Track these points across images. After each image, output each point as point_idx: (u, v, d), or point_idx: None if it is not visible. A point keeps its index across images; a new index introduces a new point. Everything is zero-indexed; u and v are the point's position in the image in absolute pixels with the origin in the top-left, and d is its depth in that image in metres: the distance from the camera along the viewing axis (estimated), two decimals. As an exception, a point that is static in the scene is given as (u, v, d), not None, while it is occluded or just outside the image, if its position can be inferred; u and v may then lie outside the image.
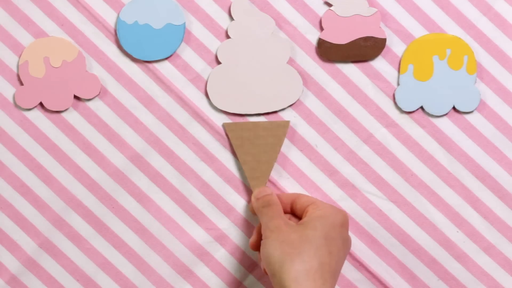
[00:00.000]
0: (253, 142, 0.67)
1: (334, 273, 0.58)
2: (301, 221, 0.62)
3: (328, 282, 0.57)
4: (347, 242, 0.62)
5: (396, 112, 0.68)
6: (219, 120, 0.68)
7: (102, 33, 0.68)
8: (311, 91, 0.68)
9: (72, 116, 0.68)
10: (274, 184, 0.68)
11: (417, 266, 0.68)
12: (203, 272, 0.69)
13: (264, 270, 0.62)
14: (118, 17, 0.68)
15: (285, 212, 0.65)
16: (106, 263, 0.69)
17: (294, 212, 0.65)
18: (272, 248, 0.59)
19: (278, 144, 0.67)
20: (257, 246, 0.64)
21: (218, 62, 0.68)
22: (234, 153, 0.68)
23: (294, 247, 0.58)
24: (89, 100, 0.68)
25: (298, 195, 0.65)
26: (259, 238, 0.63)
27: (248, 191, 0.68)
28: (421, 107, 0.68)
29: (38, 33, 0.68)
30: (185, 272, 0.69)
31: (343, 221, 0.61)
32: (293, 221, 0.63)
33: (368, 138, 0.68)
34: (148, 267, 0.69)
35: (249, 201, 0.69)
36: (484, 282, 0.68)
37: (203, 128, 0.68)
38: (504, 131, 0.68)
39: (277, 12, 0.68)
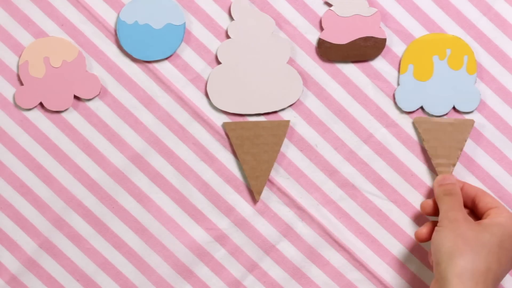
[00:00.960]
0: (253, 141, 0.67)
1: (497, 282, 0.58)
2: (480, 221, 0.61)
3: None
4: None
5: (396, 112, 0.68)
6: (219, 120, 0.68)
7: (102, 33, 0.68)
8: (311, 91, 0.68)
9: (72, 116, 0.68)
10: (274, 184, 0.68)
11: (417, 266, 0.68)
12: (203, 272, 0.69)
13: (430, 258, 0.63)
14: (118, 17, 0.68)
15: (466, 206, 0.64)
16: (106, 263, 0.69)
17: (474, 208, 0.64)
18: (446, 238, 0.59)
19: (278, 144, 0.67)
20: (424, 236, 0.64)
21: (218, 62, 0.68)
22: (234, 153, 0.68)
23: (467, 244, 0.58)
24: (89, 100, 0.68)
25: (483, 193, 0.64)
26: (431, 228, 0.63)
27: (248, 191, 0.69)
28: (421, 107, 0.68)
29: (38, 33, 0.68)
30: (185, 272, 0.69)
31: None
32: (471, 217, 0.62)
33: (368, 138, 0.68)
34: (148, 267, 0.69)
35: (249, 201, 0.69)
36: (484, 282, 0.68)
37: (203, 128, 0.68)
38: (504, 131, 0.68)
39: (277, 12, 0.68)
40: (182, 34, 0.67)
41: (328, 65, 0.68)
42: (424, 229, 0.64)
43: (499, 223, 0.60)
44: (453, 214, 0.61)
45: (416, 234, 0.65)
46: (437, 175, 0.67)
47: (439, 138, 0.67)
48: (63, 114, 0.68)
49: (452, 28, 0.68)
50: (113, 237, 0.69)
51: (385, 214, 0.68)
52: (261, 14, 0.68)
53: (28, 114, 0.68)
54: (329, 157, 0.68)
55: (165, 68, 0.68)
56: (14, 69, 0.68)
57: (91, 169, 0.68)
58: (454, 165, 0.67)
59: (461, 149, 0.67)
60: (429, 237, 0.64)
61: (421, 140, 0.68)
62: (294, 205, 0.68)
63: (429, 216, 0.66)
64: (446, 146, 0.67)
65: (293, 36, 0.68)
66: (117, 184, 0.68)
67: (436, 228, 0.61)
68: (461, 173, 0.68)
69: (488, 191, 0.68)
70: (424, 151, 0.68)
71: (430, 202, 0.65)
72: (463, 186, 0.65)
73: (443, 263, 0.58)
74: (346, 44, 0.67)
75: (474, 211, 0.65)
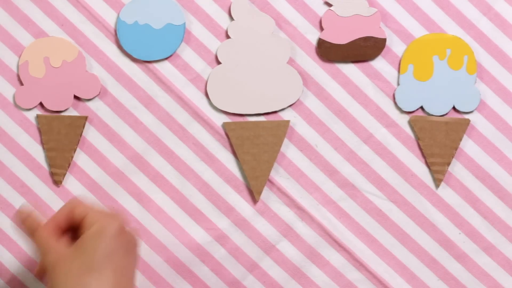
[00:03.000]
0: (253, 141, 0.67)
1: (131, 278, 0.56)
2: (79, 240, 0.55)
3: None
4: (130, 244, 0.58)
5: (396, 112, 0.68)
6: (219, 120, 0.68)
7: (102, 33, 0.68)
8: (311, 91, 0.68)
9: (72, 116, 0.68)
10: (274, 184, 0.68)
11: (417, 266, 0.68)
12: (203, 272, 0.69)
13: None
14: (118, 17, 0.68)
15: (65, 228, 0.58)
16: (106, 263, 0.69)
17: (74, 226, 0.58)
18: (59, 284, 0.54)
19: (278, 144, 0.67)
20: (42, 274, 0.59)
21: (218, 62, 0.68)
22: (234, 153, 0.68)
23: (79, 277, 0.53)
24: (89, 100, 0.68)
25: (72, 206, 0.58)
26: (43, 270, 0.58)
27: (248, 191, 0.69)
28: (421, 107, 0.68)
29: (38, 33, 0.68)
30: (185, 272, 0.69)
31: (119, 227, 0.56)
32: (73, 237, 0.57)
33: (368, 138, 0.68)
34: (148, 267, 0.69)
35: (249, 201, 0.69)
36: (484, 282, 0.68)
37: (203, 128, 0.68)
38: (504, 131, 0.68)
39: (277, 12, 0.68)
40: (182, 34, 0.67)
41: (328, 65, 0.68)
42: (39, 267, 0.60)
43: (94, 233, 0.54)
44: (51, 253, 0.55)
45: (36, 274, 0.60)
46: (432, 173, 0.67)
47: (434, 137, 0.67)
48: (63, 114, 0.68)
49: (452, 28, 0.68)
50: (113, 237, 0.69)
51: (385, 214, 0.68)
52: (261, 14, 0.68)
53: (28, 114, 0.68)
54: (329, 157, 0.68)
55: (165, 68, 0.68)
56: (14, 69, 0.68)
57: (91, 169, 0.68)
58: (448, 164, 0.67)
59: (456, 148, 0.67)
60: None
61: (417, 139, 0.68)
62: (294, 205, 0.68)
63: None
64: (441, 145, 0.67)
65: (293, 36, 0.68)
66: (117, 184, 0.68)
67: (47, 278, 0.55)
68: (460, 173, 0.68)
69: (488, 191, 0.68)
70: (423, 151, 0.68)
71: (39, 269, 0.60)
72: (55, 215, 0.58)
73: None
74: (346, 44, 0.67)
75: (76, 228, 0.58)
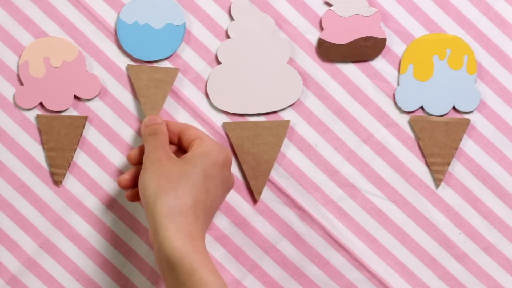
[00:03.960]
0: (253, 141, 0.67)
1: (209, 211, 0.58)
2: (184, 155, 0.61)
3: (200, 219, 0.57)
4: (227, 181, 0.61)
5: (396, 112, 0.68)
6: (219, 120, 0.68)
7: (102, 33, 0.68)
8: (311, 91, 0.68)
9: (72, 116, 0.68)
10: (274, 184, 0.68)
11: (417, 266, 0.68)
12: (203, 272, 0.69)
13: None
14: (118, 17, 0.68)
15: (173, 143, 0.64)
16: (106, 263, 0.69)
17: (181, 144, 0.64)
18: (149, 180, 0.58)
19: (278, 144, 0.67)
20: (126, 183, 0.63)
21: (218, 62, 0.68)
22: (234, 153, 0.68)
23: (170, 181, 0.57)
24: (89, 100, 0.68)
25: (188, 127, 0.64)
26: (135, 173, 0.62)
27: (248, 191, 0.68)
28: (421, 107, 0.68)
29: (38, 33, 0.68)
30: (185, 272, 0.69)
31: (225, 160, 0.61)
32: (179, 153, 0.62)
33: (368, 138, 0.68)
34: (148, 267, 0.69)
35: (249, 201, 0.69)
36: (484, 282, 0.68)
37: (203, 128, 0.68)
38: (504, 131, 0.68)
39: (277, 12, 0.68)
40: (182, 34, 0.67)
41: (328, 65, 0.68)
42: (127, 175, 0.63)
43: (200, 153, 0.59)
44: (155, 154, 0.59)
45: (118, 181, 0.63)
46: (432, 173, 0.67)
47: (434, 136, 0.67)
48: (63, 114, 0.68)
49: (452, 28, 0.68)
50: (113, 237, 0.69)
51: (385, 214, 0.68)
52: (261, 14, 0.68)
53: (28, 114, 0.68)
54: (329, 157, 0.68)
55: (165, 68, 0.68)
56: (14, 69, 0.68)
57: (91, 169, 0.68)
58: (448, 164, 0.67)
59: (456, 148, 0.67)
60: (132, 184, 0.63)
61: (417, 139, 0.68)
62: (294, 205, 0.68)
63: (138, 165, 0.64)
64: (441, 145, 0.67)
65: (293, 36, 0.68)
66: (117, 184, 0.68)
67: (141, 171, 0.60)
68: (460, 173, 0.68)
69: (488, 191, 0.68)
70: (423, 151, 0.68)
71: (136, 151, 0.64)
72: (168, 123, 0.64)
73: (150, 207, 0.57)
74: (346, 44, 0.67)
75: (181, 147, 0.64)
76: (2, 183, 0.68)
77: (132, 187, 0.64)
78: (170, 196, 0.56)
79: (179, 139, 0.64)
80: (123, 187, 0.63)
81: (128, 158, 0.64)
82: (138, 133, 0.68)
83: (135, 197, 0.63)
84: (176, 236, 0.55)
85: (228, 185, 0.62)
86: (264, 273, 0.69)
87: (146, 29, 0.67)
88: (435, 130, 0.67)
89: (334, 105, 0.68)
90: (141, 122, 0.68)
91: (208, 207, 0.58)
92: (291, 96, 0.68)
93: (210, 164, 0.59)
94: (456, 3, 0.68)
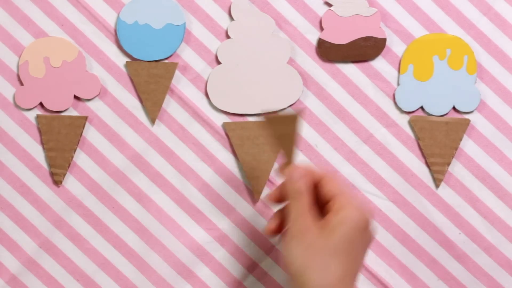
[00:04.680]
0: (253, 141, 0.67)
1: (356, 276, 0.57)
2: (327, 219, 0.57)
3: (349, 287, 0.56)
4: (369, 242, 0.59)
5: (396, 112, 0.68)
6: (219, 120, 0.68)
7: (102, 33, 0.68)
8: (311, 91, 0.68)
9: (72, 116, 0.68)
10: (274, 184, 0.68)
11: (417, 266, 0.68)
12: (203, 272, 0.69)
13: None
14: (118, 17, 0.68)
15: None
16: (106, 263, 0.69)
17: (317, 195, 0.60)
18: (296, 252, 0.56)
19: (278, 144, 0.67)
20: (275, 231, 0.60)
21: (218, 62, 0.68)
22: (234, 153, 0.68)
23: (317, 254, 0.55)
24: (89, 100, 0.68)
25: (329, 179, 0.59)
26: (280, 224, 0.60)
27: (248, 191, 0.68)
28: (421, 107, 0.68)
29: (38, 33, 0.68)
30: (185, 272, 0.69)
31: (367, 225, 0.58)
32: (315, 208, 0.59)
33: (368, 138, 0.68)
34: (148, 267, 0.69)
35: (249, 201, 0.69)
36: (484, 282, 0.68)
37: (203, 128, 0.68)
38: (504, 131, 0.68)
39: (277, 12, 0.68)
40: (182, 34, 0.67)
41: (328, 65, 0.68)
42: (273, 224, 0.60)
43: (344, 218, 0.56)
44: (301, 222, 0.57)
45: (266, 230, 0.61)
46: (432, 173, 0.67)
47: (434, 137, 0.67)
48: (63, 114, 0.68)
49: (452, 28, 0.68)
50: (113, 237, 0.69)
51: (385, 214, 0.68)
52: (261, 14, 0.68)
53: (28, 114, 0.68)
54: (329, 157, 0.68)
55: (165, 68, 0.68)
56: (14, 69, 0.68)
57: (91, 169, 0.68)
58: (448, 164, 0.67)
59: (456, 148, 0.67)
60: (279, 230, 0.60)
61: (417, 139, 0.68)
62: (294, 205, 0.68)
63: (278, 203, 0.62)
64: (441, 145, 0.67)
65: (293, 36, 0.68)
66: (117, 184, 0.68)
67: (286, 238, 0.57)
68: (460, 173, 0.68)
69: (488, 191, 0.68)
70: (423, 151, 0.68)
71: (274, 223, 0.61)
72: (309, 172, 0.59)
73: (298, 279, 0.55)
74: (346, 44, 0.67)
75: (319, 198, 0.60)
76: (2, 183, 0.68)
77: (280, 230, 0.61)
78: (318, 271, 0.55)
79: (317, 187, 0.60)
80: (272, 235, 0.61)
81: (269, 198, 0.61)
82: (138, 133, 0.68)
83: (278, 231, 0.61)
84: None
85: (369, 244, 0.59)
86: (264, 273, 0.69)
87: (146, 29, 0.67)
88: (435, 130, 0.67)
89: (334, 105, 0.68)
90: (141, 122, 0.68)
91: (356, 273, 0.57)
92: (291, 96, 0.68)
93: (356, 230, 0.57)
94: (456, 3, 0.68)
